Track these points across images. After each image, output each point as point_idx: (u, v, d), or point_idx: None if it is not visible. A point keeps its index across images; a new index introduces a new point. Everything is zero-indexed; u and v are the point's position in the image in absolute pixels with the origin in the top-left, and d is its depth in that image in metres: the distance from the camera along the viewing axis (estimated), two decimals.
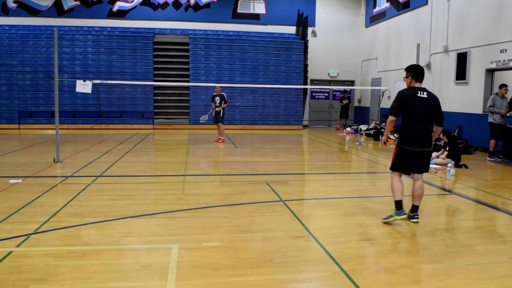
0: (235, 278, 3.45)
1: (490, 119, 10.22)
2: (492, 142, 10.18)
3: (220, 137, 12.95)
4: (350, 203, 5.97)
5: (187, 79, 18.01)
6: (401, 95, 4.87)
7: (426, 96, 4.82)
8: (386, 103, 17.47)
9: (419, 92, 4.82)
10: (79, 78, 11.86)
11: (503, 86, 10.22)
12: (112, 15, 19.14)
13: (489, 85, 11.86)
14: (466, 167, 9.01)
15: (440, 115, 4.95)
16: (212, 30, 19.69)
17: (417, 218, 4.97)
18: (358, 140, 14.37)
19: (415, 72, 4.91)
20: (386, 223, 4.91)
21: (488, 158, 10.20)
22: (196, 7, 19.70)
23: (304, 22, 18.95)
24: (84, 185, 6.72)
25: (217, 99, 12.64)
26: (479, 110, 12.04)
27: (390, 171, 5.11)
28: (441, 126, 5.02)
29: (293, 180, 7.79)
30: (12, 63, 17.18)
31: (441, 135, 9.62)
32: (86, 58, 17.61)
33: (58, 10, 18.79)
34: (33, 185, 6.70)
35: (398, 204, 4.86)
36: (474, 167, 9.17)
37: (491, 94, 11.80)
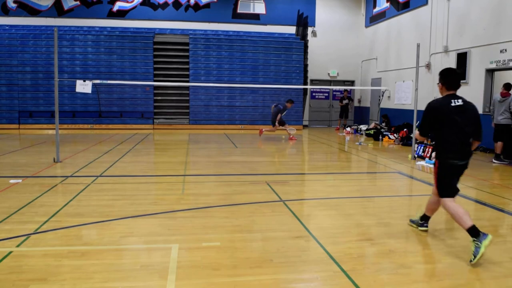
0: (235, 278, 3.45)
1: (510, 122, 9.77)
2: (500, 144, 9.88)
3: (291, 135, 14.59)
4: (350, 203, 5.97)
5: (187, 79, 18.01)
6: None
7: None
8: (386, 103, 17.48)
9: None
10: (79, 78, 11.88)
11: None
12: (112, 15, 19.14)
13: (489, 85, 11.85)
14: None
15: None
16: (212, 30, 19.69)
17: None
18: (358, 140, 14.37)
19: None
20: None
21: (494, 161, 9.94)
22: (196, 7, 19.70)
23: (304, 22, 18.95)
24: (84, 185, 6.72)
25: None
26: (480, 110, 11.98)
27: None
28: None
29: (293, 180, 7.79)
30: (12, 63, 17.18)
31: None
32: (86, 58, 17.61)
33: (58, 10, 18.78)
34: (33, 185, 6.70)
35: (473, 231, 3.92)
36: (474, 167, 9.16)
37: (491, 94, 11.81)
